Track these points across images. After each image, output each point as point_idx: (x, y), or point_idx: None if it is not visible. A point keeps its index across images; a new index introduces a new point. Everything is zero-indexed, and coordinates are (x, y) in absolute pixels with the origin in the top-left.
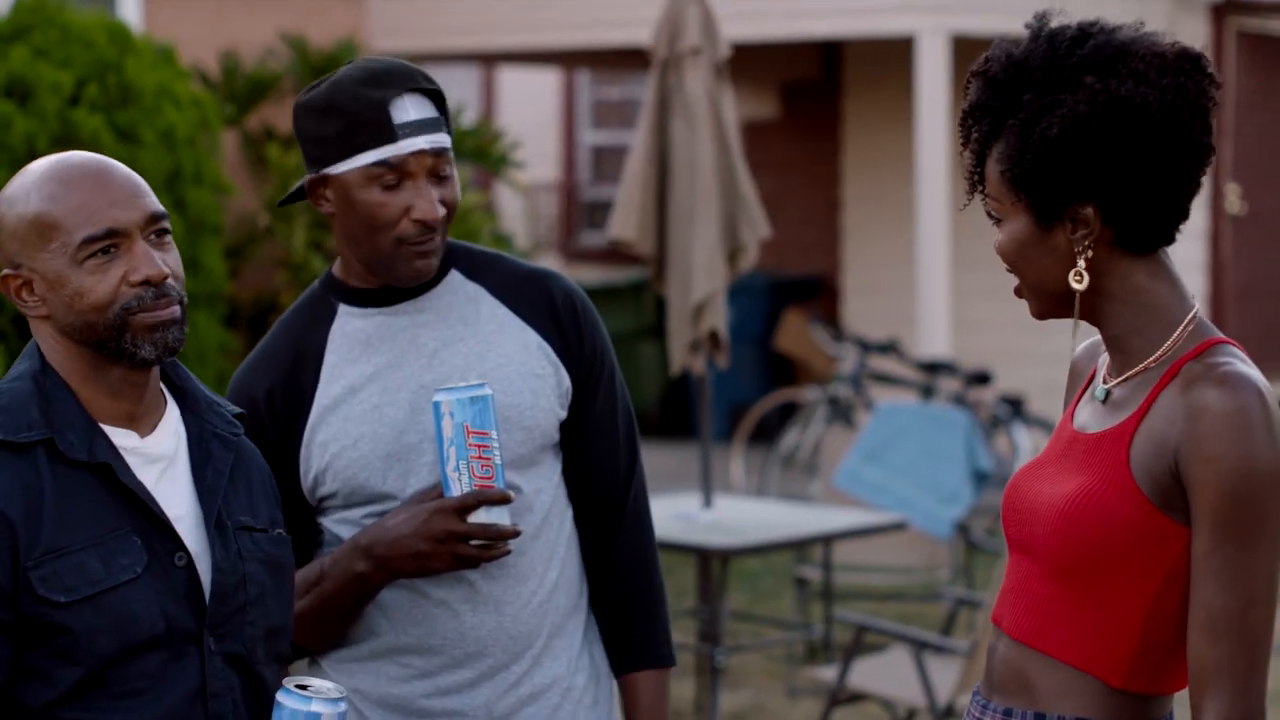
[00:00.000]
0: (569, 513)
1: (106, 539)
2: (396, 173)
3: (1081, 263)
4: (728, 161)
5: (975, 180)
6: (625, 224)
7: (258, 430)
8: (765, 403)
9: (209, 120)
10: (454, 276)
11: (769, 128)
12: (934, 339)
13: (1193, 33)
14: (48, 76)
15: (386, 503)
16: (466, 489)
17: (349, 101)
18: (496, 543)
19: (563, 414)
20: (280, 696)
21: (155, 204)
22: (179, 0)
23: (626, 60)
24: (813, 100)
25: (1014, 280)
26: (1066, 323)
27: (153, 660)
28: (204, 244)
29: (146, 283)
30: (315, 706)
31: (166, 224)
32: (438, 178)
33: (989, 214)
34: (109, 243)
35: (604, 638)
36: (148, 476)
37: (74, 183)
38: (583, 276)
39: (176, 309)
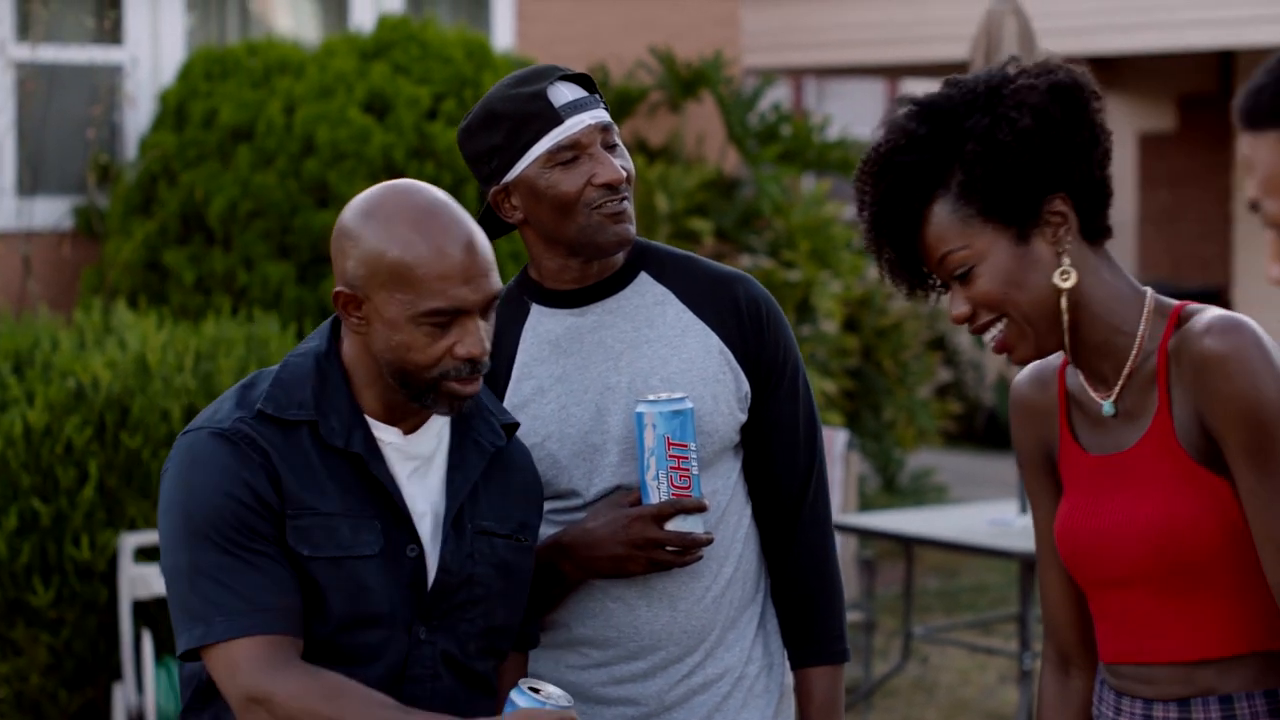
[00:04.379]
0: (747, 509)
1: (353, 517)
2: (572, 150)
3: (1065, 260)
4: None
5: (914, 274)
6: None
7: None
8: None
9: None
10: (643, 279)
11: (1165, 140)
12: None
13: None
14: (406, 91)
15: (570, 499)
16: (664, 497)
17: (507, 104)
18: (690, 549)
19: (742, 417)
20: (514, 695)
21: (497, 282)
22: (553, 19)
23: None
24: (1210, 112)
25: None
26: None
27: (374, 635)
28: None
29: (469, 359)
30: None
31: (498, 301)
32: (608, 148)
33: (954, 276)
34: (449, 318)
35: (781, 632)
36: (400, 472)
37: (444, 248)
38: None
39: (480, 383)
